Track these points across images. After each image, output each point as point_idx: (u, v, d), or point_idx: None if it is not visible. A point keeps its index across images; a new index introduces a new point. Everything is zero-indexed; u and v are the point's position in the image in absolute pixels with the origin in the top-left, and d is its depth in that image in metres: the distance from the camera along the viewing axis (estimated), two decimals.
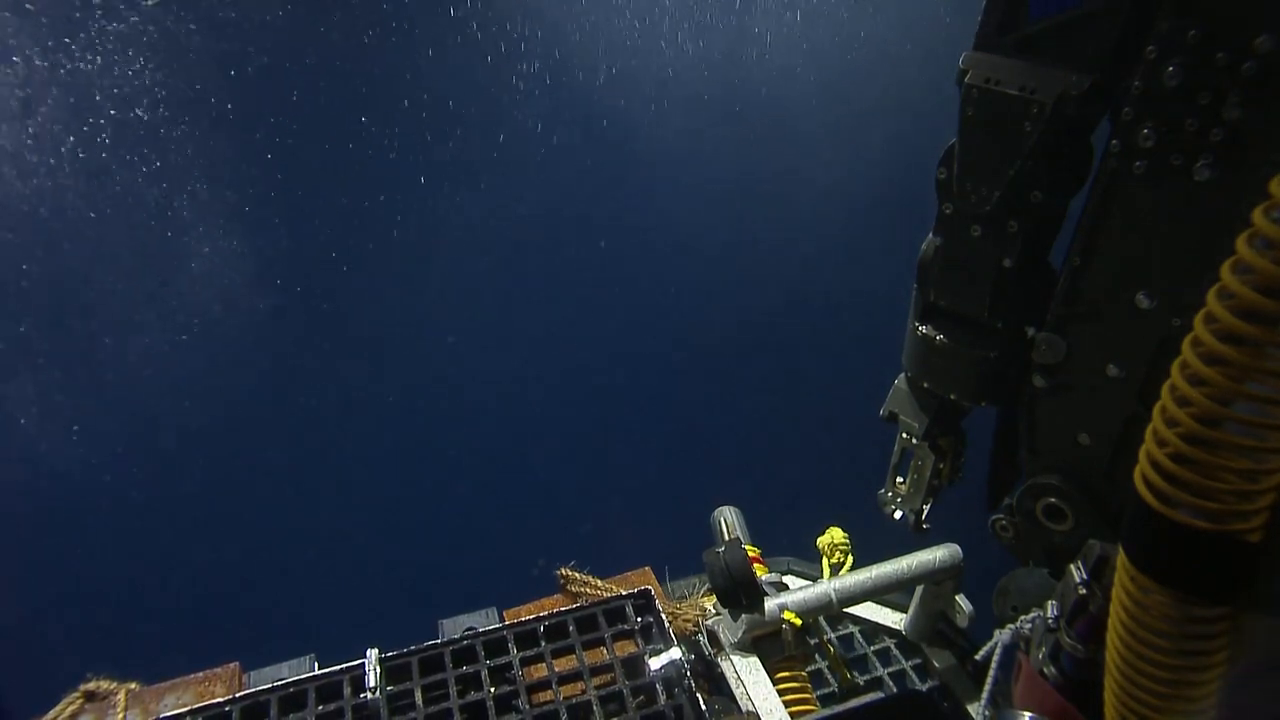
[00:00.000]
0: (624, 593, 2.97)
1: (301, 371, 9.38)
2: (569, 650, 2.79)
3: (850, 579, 2.80)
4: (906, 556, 2.76)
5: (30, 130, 8.31)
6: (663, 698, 2.62)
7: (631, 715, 2.58)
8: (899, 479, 2.39)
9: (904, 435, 2.29)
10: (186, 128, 8.88)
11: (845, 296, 9.49)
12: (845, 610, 3.04)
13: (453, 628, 2.95)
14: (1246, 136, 1.31)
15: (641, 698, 2.64)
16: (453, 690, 2.64)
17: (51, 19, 8.19)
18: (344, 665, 2.69)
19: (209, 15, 8.82)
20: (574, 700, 2.62)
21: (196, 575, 8.14)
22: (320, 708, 2.60)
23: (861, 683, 3.07)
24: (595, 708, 2.60)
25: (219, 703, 2.59)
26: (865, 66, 9.61)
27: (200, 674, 2.89)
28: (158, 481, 8.48)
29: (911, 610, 3.00)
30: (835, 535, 3.18)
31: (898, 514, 2.43)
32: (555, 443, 9.65)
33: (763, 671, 2.66)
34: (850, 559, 3.11)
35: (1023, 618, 1.89)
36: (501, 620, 2.97)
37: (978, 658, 2.07)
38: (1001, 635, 1.95)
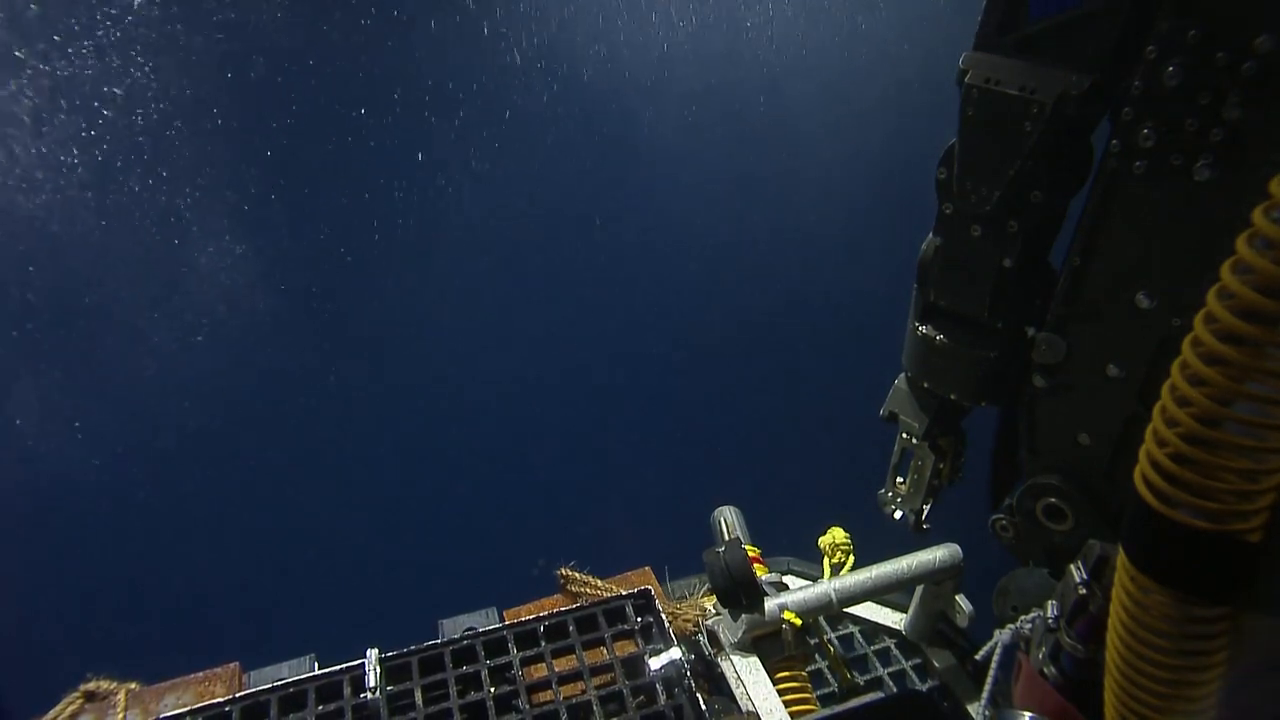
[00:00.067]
0: (624, 593, 2.97)
1: (301, 371, 9.38)
2: (569, 650, 2.79)
3: (850, 579, 2.80)
4: (906, 556, 2.76)
5: (31, 133, 8.32)
6: (663, 698, 2.62)
7: (631, 715, 2.58)
8: (899, 479, 2.39)
9: (904, 435, 2.29)
10: (185, 130, 8.88)
11: (845, 296, 9.49)
12: (845, 610, 3.04)
13: (453, 628, 2.95)
14: (1246, 136, 1.31)
15: (641, 698, 2.64)
16: (453, 690, 2.64)
17: (51, 21, 8.20)
18: (344, 665, 2.69)
19: (207, 16, 8.82)
20: (574, 700, 2.62)
21: (196, 575, 8.14)
22: (320, 708, 2.60)
23: (861, 683, 3.07)
24: (595, 708, 2.60)
25: (219, 703, 2.59)
26: (865, 66, 9.61)
27: (200, 674, 2.89)
28: (158, 481, 8.48)
29: (911, 610, 3.00)
30: (837, 535, 3.18)
31: (898, 514, 2.43)
32: (555, 443, 9.65)
33: (763, 671, 2.66)
34: (851, 559, 3.11)
35: (1023, 618, 1.89)
36: (501, 620, 2.97)
37: (978, 658, 2.07)
38: (1001, 635, 1.95)
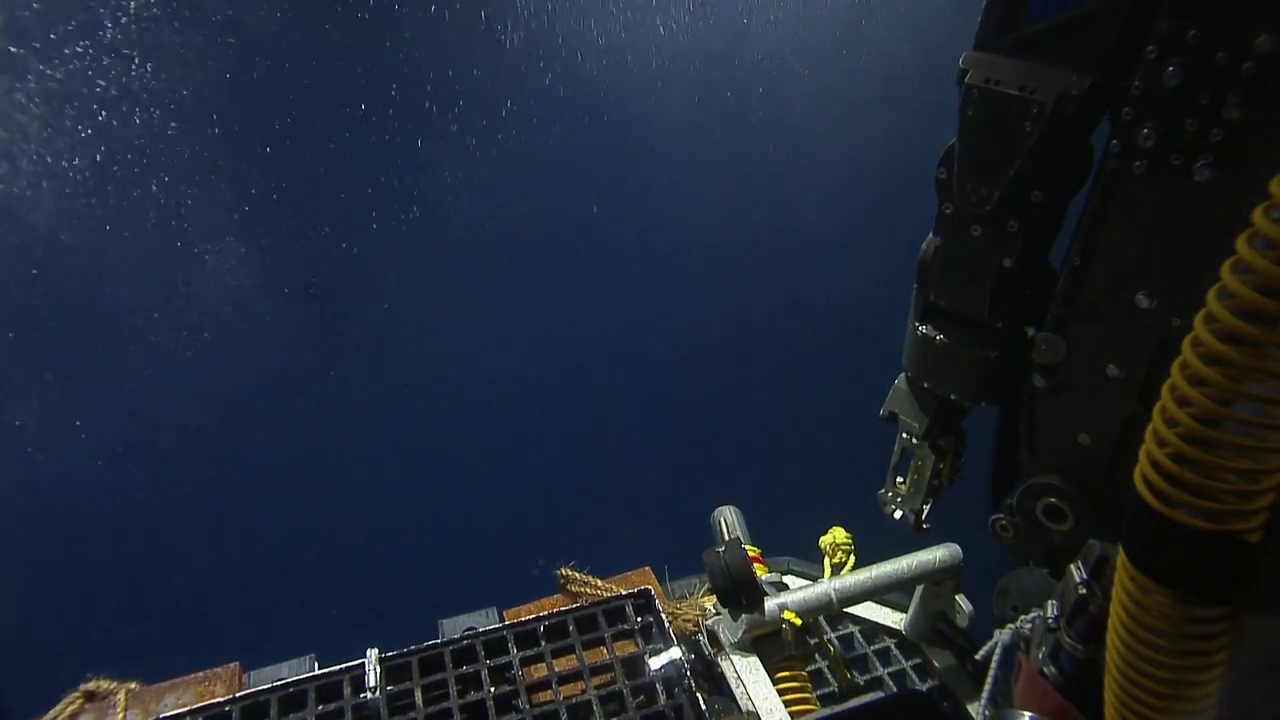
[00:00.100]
0: (624, 593, 2.97)
1: (301, 371, 9.38)
2: (569, 650, 2.79)
3: (850, 579, 2.80)
4: (906, 556, 2.76)
5: (30, 135, 8.32)
6: (663, 698, 2.62)
7: (631, 715, 2.58)
8: (899, 479, 2.39)
9: (904, 435, 2.29)
10: (183, 131, 8.88)
11: (845, 296, 9.49)
12: (845, 610, 3.04)
13: (453, 628, 2.95)
14: (1246, 136, 1.31)
15: (641, 698, 2.64)
16: (453, 690, 2.64)
17: (50, 22, 8.20)
18: (344, 665, 2.69)
19: (206, 16, 8.82)
20: (574, 700, 2.62)
21: (196, 575, 8.15)
22: (320, 708, 2.59)
23: (861, 683, 3.07)
24: (595, 708, 2.60)
25: (219, 703, 2.59)
26: (865, 66, 9.61)
27: (200, 674, 2.89)
28: (158, 481, 8.48)
29: (911, 610, 3.00)
30: (838, 535, 3.18)
31: (898, 514, 2.43)
32: (555, 443, 9.66)
33: (763, 671, 2.66)
34: (852, 559, 3.11)
35: (1023, 618, 1.89)
36: (501, 620, 2.97)
37: (978, 658, 2.07)
38: (1001, 635, 1.95)
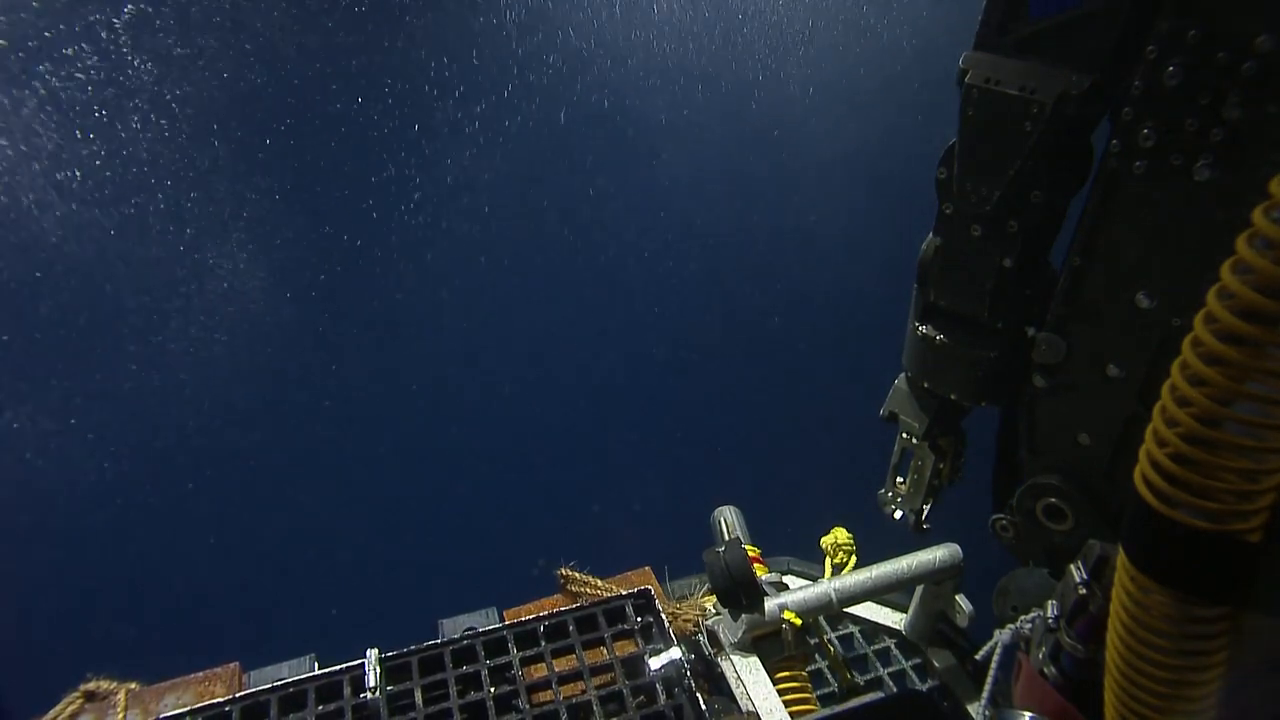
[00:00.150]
0: (624, 593, 2.97)
1: (301, 372, 9.38)
2: (569, 650, 2.79)
3: (850, 579, 2.80)
4: (906, 556, 2.76)
5: (30, 137, 8.33)
6: (663, 698, 2.62)
7: (631, 715, 2.58)
8: (899, 479, 2.39)
9: (904, 435, 2.29)
10: (181, 132, 8.88)
11: (845, 296, 9.49)
12: (845, 610, 3.04)
13: (453, 628, 2.95)
14: (1246, 136, 1.31)
15: (641, 698, 2.64)
16: (453, 690, 2.64)
17: (50, 26, 8.21)
18: (344, 665, 2.69)
19: (205, 18, 8.83)
20: (574, 700, 2.62)
21: (196, 575, 8.14)
22: (320, 708, 2.59)
23: (861, 683, 3.07)
24: (595, 708, 2.60)
25: (219, 703, 2.59)
26: (865, 65, 9.61)
27: (200, 674, 2.89)
28: (158, 481, 8.48)
29: (911, 610, 3.00)
30: (840, 535, 3.18)
31: (898, 514, 2.43)
32: (555, 443, 9.65)
33: (763, 671, 2.66)
34: (853, 559, 3.11)
35: (1023, 618, 1.89)
36: (501, 620, 2.97)
37: (978, 658, 2.07)
38: (1001, 635, 1.95)
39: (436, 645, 2.75)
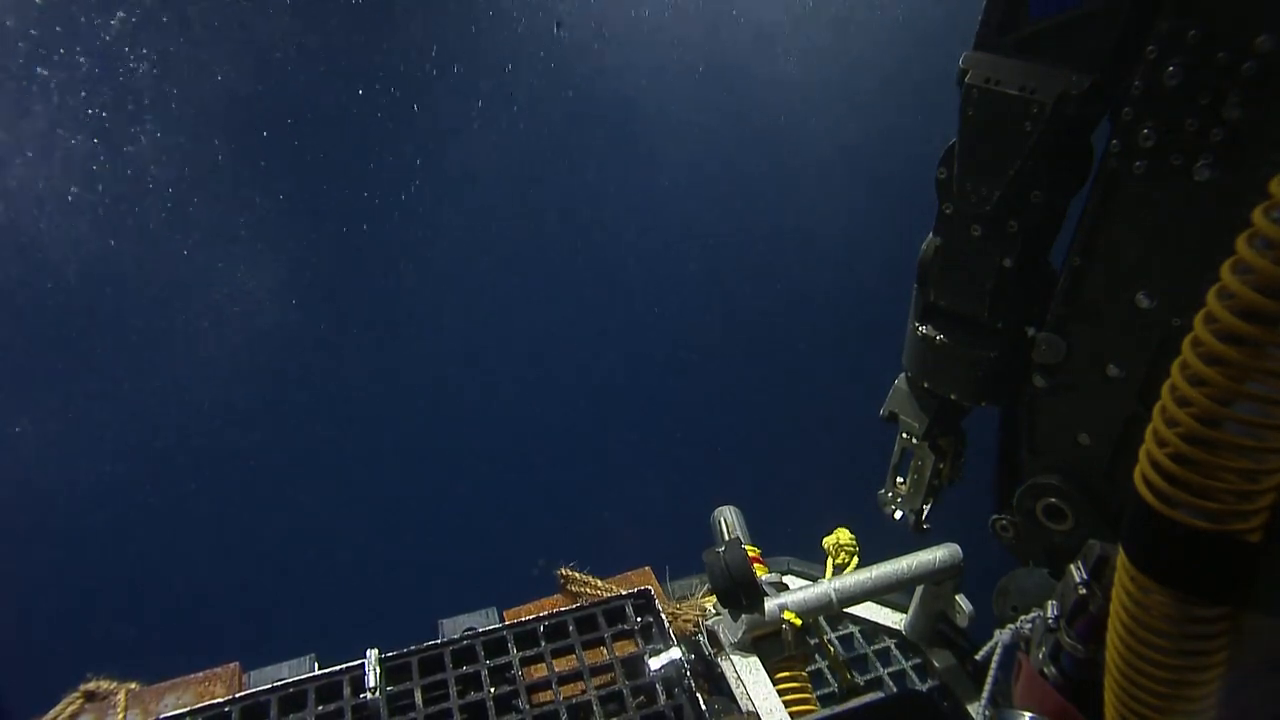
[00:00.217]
0: (624, 593, 2.97)
1: (301, 371, 9.38)
2: (569, 650, 2.79)
3: (850, 579, 2.80)
4: (906, 556, 2.76)
5: (31, 139, 8.34)
6: (663, 698, 2.62)
7: (631, 715, 2.58)
8: (899, 479, 2.39)
9: (904, 435, 2.29)
10: (181, 132, 8.88)
11: (845, 296, 9.49)
12: (845, 610, 3.04)
13: (453, 628, 2.95)
14: (1246, 136, 1.31)
15: (641, 698, 2.64)
16: (453, 690, 2.64)
17: (50, 27, 8.21)
18: (344, 665, 2.69)
19: (205, 18, 8.83)
20: (574, 700, 2.62)
21: (196, 575, 8.14)
22: (320, 708, 2.60)
23: (861, 683, 3.07)
24: (595, 708, 2.60)
25: (219, 703, 2.59)
26: (865, 65, 9.61)
27: (200, 674, 2.89)
28: (158, 481, 8.48)
29: (911, 610, 3.00)
30: (842, 536, 3.18)
31: (898, 514, 2.43)
32: (555, 443, 9.65)
33: (763, 671, 2.66)
34: (855, 560, 3.11)
35: (1023, 618, 1.89)
36: (501, 620, 2.97)
37: (978, 658, 2.07)
38: (1001, 635, 1.95)
39: (436, 645, 2.75)
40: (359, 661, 2.65)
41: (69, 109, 8.40)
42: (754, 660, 2.69)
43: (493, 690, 2.64)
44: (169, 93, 8.78)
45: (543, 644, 2.80)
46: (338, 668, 2.69)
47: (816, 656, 3.06)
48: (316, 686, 2.64)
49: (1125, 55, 1.47)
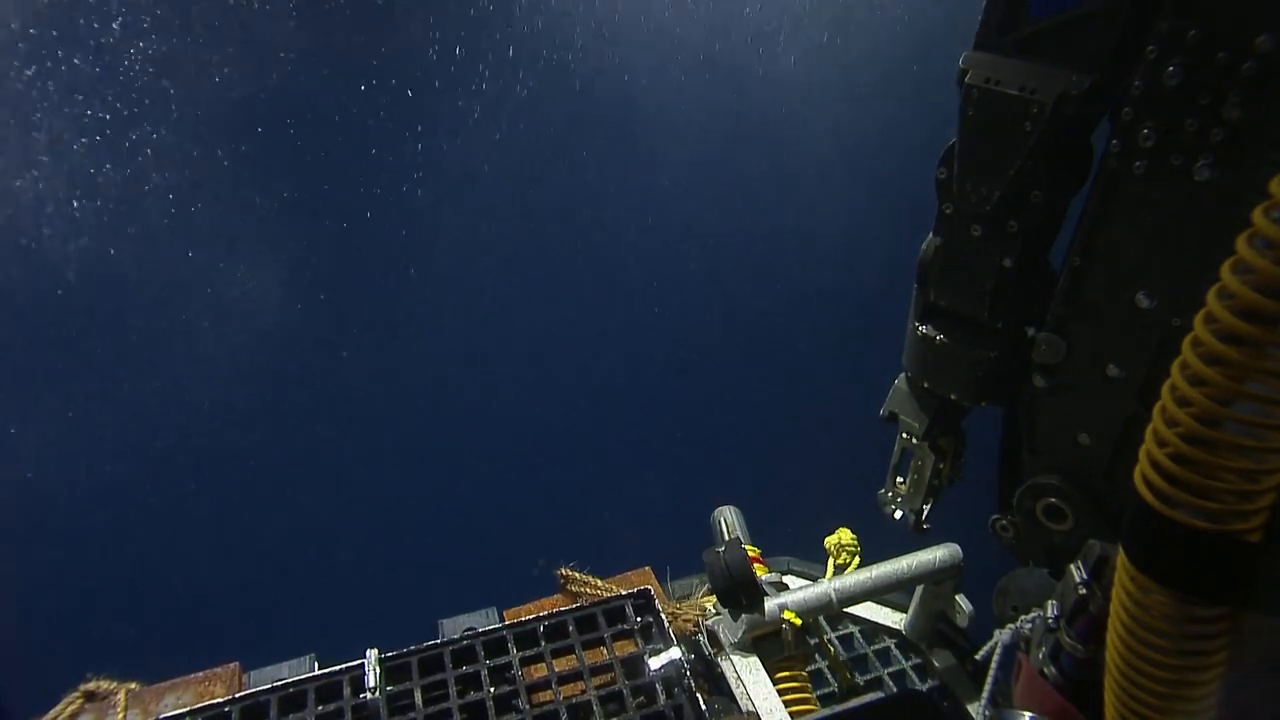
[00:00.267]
0: (624, 593, 2.97)
1: (301, 371, 9.38)
2: (569, 650, 2.79)
3: (850, 579, 2.80)
4: (906, 556, 2.76)
5: (32, 140, 8.34)
6: (663, 698, 2.62)
7: (631, 715, 2.58)
8: (899, 479, 2.39)
9: (904, 435, 2.29)
10: (180, 133, 8.88)
11: (845, 296, 9.49)
12: (845, 610, 3.04)
13: (453, 628, 2.95)
14: (1246, 136, 1.31)
15: (641, 698, 2.64)
16: (452, 690, 2.64)
17: (50, 28, 8.22)
18: (344, 665, 2.69)
19: (207, 20, 8.83)
20: (574, 700, 2.62)
21: (196, 575, 8.14)
22: (320, 708, 2.60)
23: (861, 683, 3.07)
24: (595, 708, 2.60)
25: (219, 703, 2.59)
26: (865, 64, 9.61)
27: (200, 674, 2.89)
28: (158, 481, 8.48)
29: (911, 610, 3.00)
30: (844, 536, 3.18)
31: (898, 514, 2.43)
32: (555, 443, 9.65)
33: (763, 671, 2.66)
34: (856, 560, 3.11)
35: (1023, 618, 1.89)
36: (501, 620, 2.97)
37: (978, 658, 2.07)
38: (1001, 635, 1.95)
39: (436, 645, 2.75)
40: (359, 661, 2.66)
41: (69, 109, 8.41)
42: (754, 660, 2.69)
43: (493, 690, 2.64)
44: (169, 93, 8.78)
45: (543, 644, 2.80)
46: (338, 668, 2.69)
47: (816, 656, 3.06)
48: (316, 686, 2.64)
49: (1125, 55, 1.47)
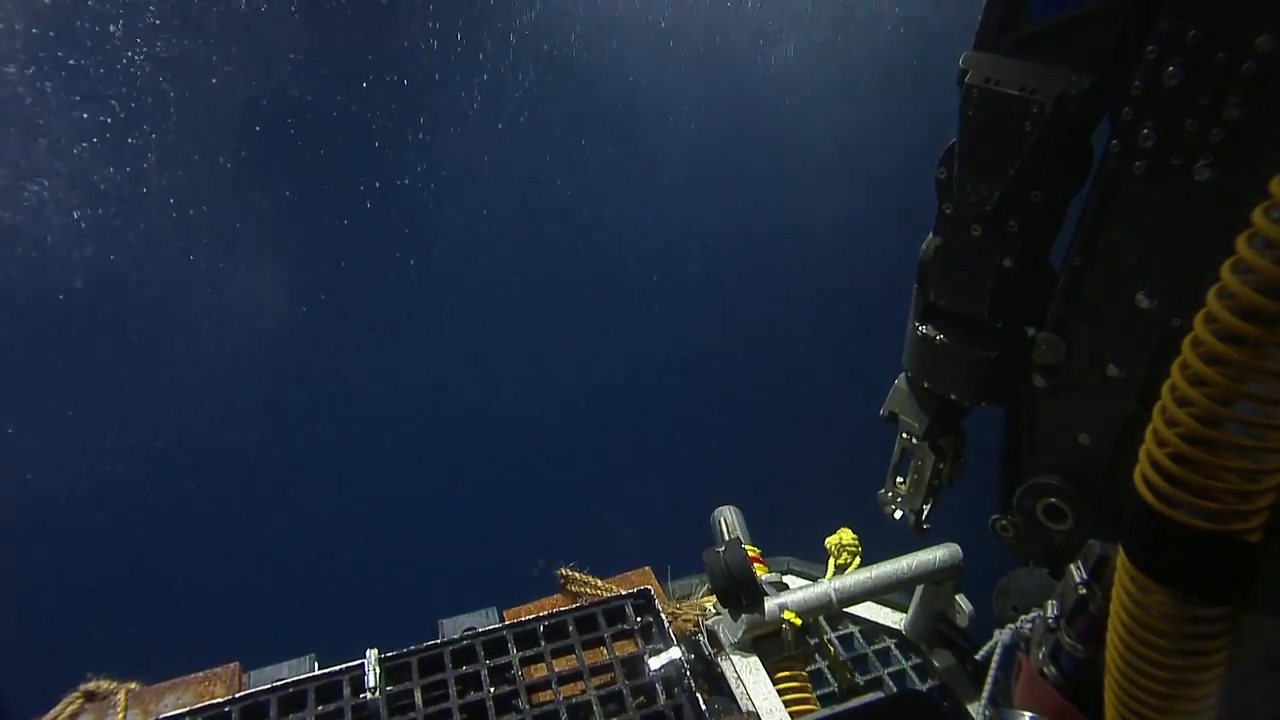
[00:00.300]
0: (624, 593, 2.97)
1: (301, 371, 9.38)
2: (569, 650, 2.79)
3: (850, 579, 2.80)
4: (906, 556, 2.76)
5: (32, 141, 8.35)
6: (663, 698, 2.62)
7: (631, 715, 2.58)
8: (899, 479, 2.39)
9: (904, 435, 2.29)
10: (180, 134, 8.88)
11: (845, 296, 9.49)
12: (845, 610, 3.04)
13: (453, 628, 2.95)
14: (1246, 136, 1.31)
15: (641, 698, 2.64)
16: (452, 690, 2.64)
17: (50, 29, 8.22)
18: (344, 665, 2.69)
19: (208, 22, 8.83)
20: (574, 700, 2.62)
21: (196, 575, 8.15)
22: (320, 708, 2.59)
23: (861, 683, 3.07)
24: (595, 708, 2.60)
25: (219, 703, 2.59)
26: (865, 64, 9.61)
27: (200, 674, 2.89)
28: (158, 481, 8.48)
29: (911, 610, 3.00)
30: (845, 536, 3.18)
31: (898, 514, 2.43)
32: (555, 443, 9.65)
33: (763, 671, 2.66)
34: (857, 560, 3.11)
35: (1023, 618, 1.89)
36: (501, 620, 2.97)
37: (978, 658, 2.07)
38: (1001, 635, 1.95)
39: (436, 645, 2.75)
40: (359, 661, 2.65)
41: (68, 110, 8.41)
42: (754, 660, 2.69)
43: (493, 690, 2.64)
44: (170, 94, 8.78)
45: (543, 644, 2.80)
46: (338, 668, 2.68)
47: (816, 656, 3.06)
48: (316, 686, 2.64)
49: (1125, 55, 1.47)
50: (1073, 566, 1.70)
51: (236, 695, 2.61)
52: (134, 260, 8.84)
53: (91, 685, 2.84)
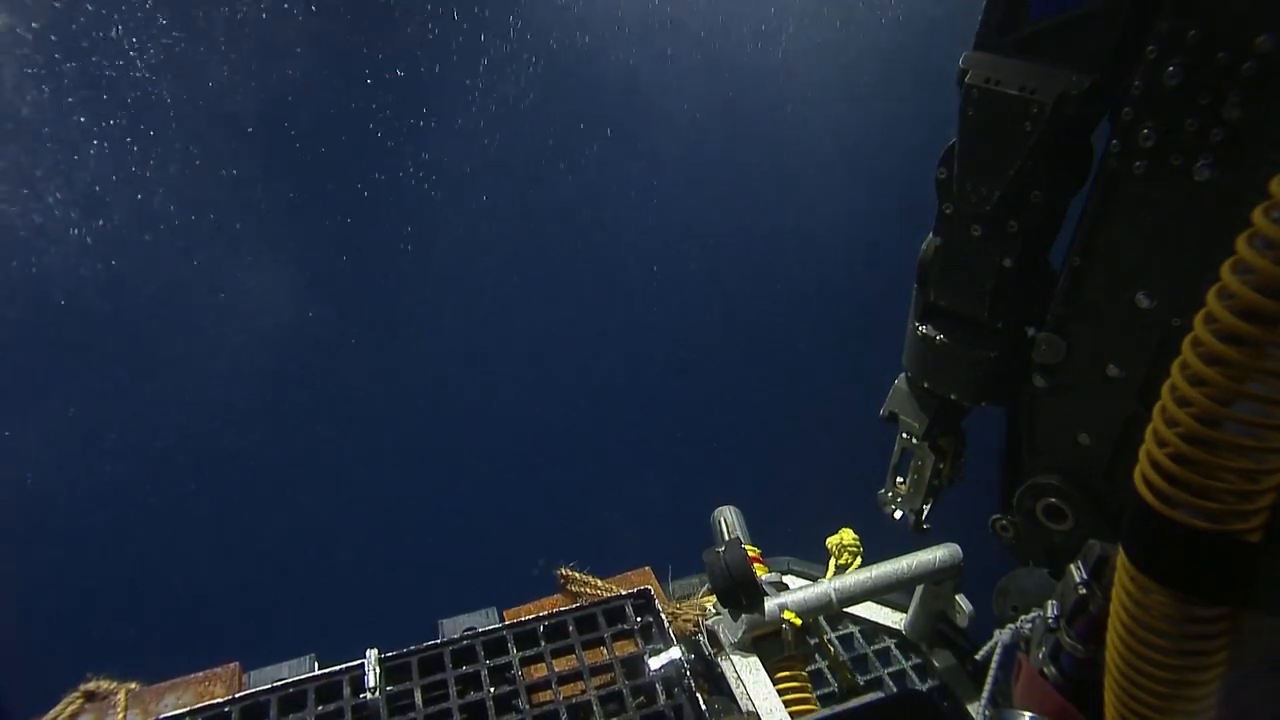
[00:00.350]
0: (624, 593, 2.97)
1: (301, 371, 9.38)
2: (569, 650, 2.79)
3: (850, 579, 2.80)
4: (906, 556, 2.76)
5: (32, 141, 8.35)
6: (663, 698, 2.62)
7: (631, 715, 2.58)
8: (899, 479, 2.39)
9: (904, 435, 2.29)
10: (180, 135, 8.88)
11: (845, 296, 9.49)
12: (845, 610, 3.04)
13: (453, 628, 2.95)
14: (1246, 136, 1.31)
15: (641, 698, 2.64)
16: (452, 690, 2.64)
17: (49, 29, 8.23)
18: (344, 665, 2.69)
19: (210, 24, 8.83)
20: (574, 700, 2.62)
21: (196, 575, 8.15)
22: (320, 708, 2.60)
23: (861, 683, 3.07)
24: (595, 708, 2.60)
25: (219, 703, 2.59)
26: (865, 63, 9.61)
27: (200, 674, 2.89)
28: (158, 481, 8.48)
29: (911, 610, 3.00)
30: (846, 536, 3.18)
31: (898, 514, 2.43)
32: (555, 443, 9.65)
33: (763, 671, 2.66)
34: (858, 561, 3.11)
35: (1023, 618, 1.89)
36: (501, 620, 2.97)
37: (978, 658, 2.07)
38: (1001, 635, 1.95)
39: (436, 645, 2.75)
40: (359, 661, 2.65)
41: (68, 111, 8.41)
42: (754, 660, 2.69)
43: (493, 690, 2.64)
44: (170, 94, 8.78)
45: (543, 644, 2.80)
46: (338, 668, 2.69)
47: (816, 656, 3.06)
48: (316, 686, 2.64)
49: (1125, 55, 1.47)
50: (1073, 566, 1.70)
51: (236, 695, 2.61)
52: (134, 260, 8.84)
53: (91, 685, 2.84)
